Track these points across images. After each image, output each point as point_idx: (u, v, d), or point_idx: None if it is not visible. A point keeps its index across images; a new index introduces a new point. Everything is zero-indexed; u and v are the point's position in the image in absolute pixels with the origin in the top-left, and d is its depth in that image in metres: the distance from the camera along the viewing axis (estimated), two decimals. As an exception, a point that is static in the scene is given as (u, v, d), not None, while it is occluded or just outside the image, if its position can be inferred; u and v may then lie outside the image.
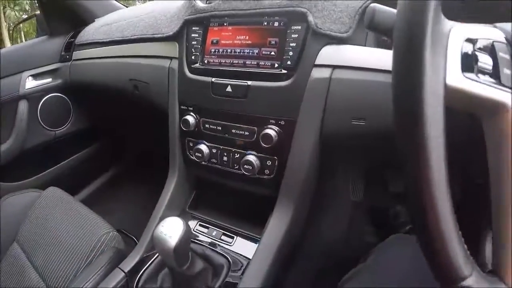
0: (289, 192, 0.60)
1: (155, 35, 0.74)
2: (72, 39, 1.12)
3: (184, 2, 0.69)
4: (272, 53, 0.57)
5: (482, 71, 0.27)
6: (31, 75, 1.07)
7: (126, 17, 0.95)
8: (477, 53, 0.27)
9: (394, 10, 0.31)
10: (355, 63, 0.52)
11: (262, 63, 0.57)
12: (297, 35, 0.54)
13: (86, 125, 1.19)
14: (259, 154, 0.59)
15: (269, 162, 0.59)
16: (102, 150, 1.26)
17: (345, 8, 0.53)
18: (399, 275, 0.42)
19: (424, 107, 0.23)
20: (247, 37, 0.59)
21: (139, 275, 0.60)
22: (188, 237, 0.50)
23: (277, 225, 0.58)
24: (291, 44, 0.55)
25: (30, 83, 1.07)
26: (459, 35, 0.27)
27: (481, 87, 0.26)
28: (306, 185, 0.60)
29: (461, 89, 0.26)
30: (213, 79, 0.61)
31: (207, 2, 0.65)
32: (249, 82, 0.57)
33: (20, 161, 1.07)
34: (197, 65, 0.64)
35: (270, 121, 0.57)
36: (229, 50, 0.61)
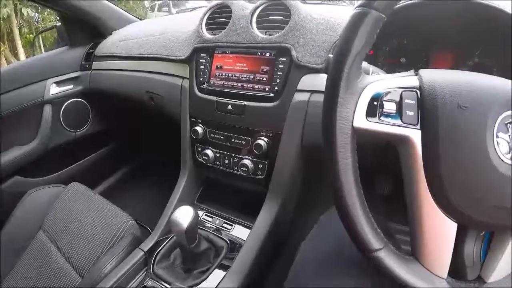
0: (276, 189, 0.78)
1: (170, 57, 0.93)
2: (91, 50, 1.29)
3: (193, 31, 0.88)
4: (264, 78, 0.75)
5: (387, 115, 0.38)
6: (54, 82, 1.24)
7: (141, 33, 1.14)
8: (384, 102, 0.38)
9: None
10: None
11: (256, 86, 0.76)
12: (283, 66, 0.72)
13: (103, 127, 1.35)
14: (253, 159, 0.78)
15: (260, 165, 0.77)
16: (118, 150, 1.42)
17: (322, 43, 0.70)
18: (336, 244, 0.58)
19: (335, 140, 0.37)
20: (245, 64, 0.77)
21: (155, 253, 0.77)
22: (196, 221, 0.68)
23: (266, 214, 0.77)
24: (278, 73, 0.72)
25: (54, 90, 1.24)
26: (370, 90, 0.38)
27: (383, 126, 0.38)
28: (291, 183, 0.78)
29: (365, 129, 0.38)
30: (217, 99, 0.80)
31: (213, 33, 0.84)
32: (246, 103, 0.76)
33: (44, 159, 1.23)
34: (204, 85, 0.83)
35: (261, 133, 0.75)
36: (230, 74, 0.79)
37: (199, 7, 1.35)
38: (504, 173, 0.35)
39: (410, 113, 0.37)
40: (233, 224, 0.84)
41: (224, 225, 0.84)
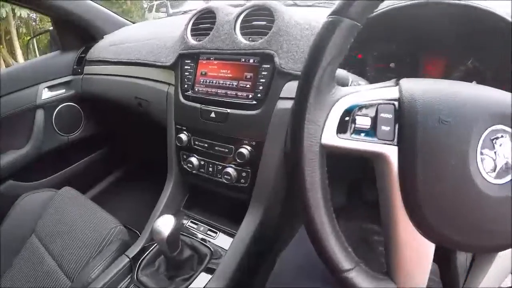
0: (260, 197, 0.78)
1: (156, 63, 0.93)
2: (83, 54, 1.31)
3: (179, 37, 0.89)
4: (248, 85, 0.75)
5: (359, 130, 0.36)
6: (46, 87, 1.26)
7: (131, 38, 1.15)
8: (357, 116, 0.36)
9: None
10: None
11: (239, 93, 0.75)
12: (266, 73, 0.72)
13: (95, 131, 1.37)
14: (236, 167, 0.78)
15: (244, 174, 0.77)
16: (109, 154, 1.43)
17: (306, 49, 0.69)
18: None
19: (302, 158, 0.36)
20: (229, 71, 0.77)
21: (140, 260, 0.78)
22: (178, 230, 0.69)
23: (250, 222, 0.77)
24: (261, 80, 0.72)
25: (46, 94, 1.26)
26: (343, 104, 0.36)
27: (355, 143, 0.36)
28: (274, 191, 0.78)
29: (335, 146, 0.36)
30: (202, 106, 0.80)
31: (198, 39, 0.84)
32: (229, 110, 0.76)
33: (38, 163, 1.25)
34: (189, 92, 0.83)
35: (244, 141, 0.75)
36: (214, 81, 0.79)
37: (195, 9, 1.35)
38: (487, 192, 0.33)
39: (386, 128, 0.35)
40: (218, 232, 0.84)
41: (209, 232, 0.84)
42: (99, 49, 1.24)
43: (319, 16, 0.75)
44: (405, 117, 0.34)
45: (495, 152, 0.33)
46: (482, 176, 0.33)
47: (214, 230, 0.84)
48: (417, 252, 0.36)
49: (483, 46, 0.61)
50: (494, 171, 0.33)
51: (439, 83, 0.38)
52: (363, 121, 0.36)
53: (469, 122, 0.33)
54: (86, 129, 1.36)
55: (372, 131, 0.36)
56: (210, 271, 0.74)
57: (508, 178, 0.33)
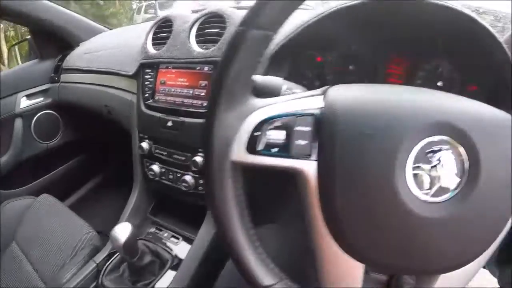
0: None
1: (121, 72, 0.95)
2: (60, 63, 1.32)
3: (141, 47, 0.90)
4: (202, 94, 0.76)
5: (273, 145, 0.33)
6: (25, 95, 1.27)
7: (105, 45, 1.17)
8: (269, 131, 0.33)
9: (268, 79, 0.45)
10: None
11: (194, 102, 0.77)
12: None
13: (74, 138, 1.39)
14: (194, 175, 0.79)
15: (201, 181, 0.78)
16: (89, 161, 1.45)
17: None
18: None
19: (212, 175, 0.34)
20: (185, 80, 0.78)
21: (106, 265, 0.80)
22: (134, 236, 0.71)
23: (207, 230, 0.79)
24: None
25: (24, 103, 1.27)
26: (256, 117, 0.34)
27: (267, 159, 0.33)
28: None
29: (246, 162, 0.33)
30: (161, 115, 0.81)
31: (157, 48, 0.86)
32: (185, 119, 0.77)
33: (18, 171, 1.27)
34: (150, 101, 0.84)
35: (199, 150, 0.76)
36: (172, 90, 0.81)
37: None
38: (420, 212, 0.29)
39: (302, 143, 0.32)
40: (180, 237, 0.85)
41: (172, 238, 0.86)
42: (74, 57, 1.25)
43: None
44: (324, 130, 0.32)
45: (432, 167, 0.29)
46: (413, 194, 0.29)
47: (177, 236, 0.86)
48: (343, 272, 0.34)
49: (451, 46, 0.58)
50: (431, 188, 0.29)
51: (371, 89, 0.35)
52: (276, 135, 0.33)
53: (397, 133, 0.29)
54: (65, 136, 1.37)
55: (287, 146, 0.32)
56: (171, 276, 0.76)
57: (447, 196, 0.29)
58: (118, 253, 0.84)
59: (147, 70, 0.86)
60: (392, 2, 0.55)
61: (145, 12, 5.77)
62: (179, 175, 0.82)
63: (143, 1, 6.48)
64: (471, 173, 0.29)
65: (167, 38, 0.84)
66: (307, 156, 0.32)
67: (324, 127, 0.32)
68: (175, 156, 0.81)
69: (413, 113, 0.30)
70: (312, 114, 0.32)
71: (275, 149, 0.33)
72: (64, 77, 1.29)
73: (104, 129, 1.25)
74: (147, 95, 0.85)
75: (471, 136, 0.29)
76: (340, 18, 0.57)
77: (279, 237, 0.79)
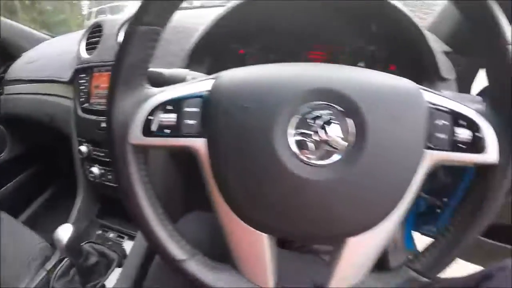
0: None
1: (58, 79, 0.96)
2: (2, 74, 1.31)
3: (76, 53, 0.92)
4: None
5: (166, 127, 0.35)
6: None
7: (46, 54, 1.16)
8: (162, 115, 0.35)
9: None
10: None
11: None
12: None
13: (23, 150, 1.36)
14: None
15: None
16: (39, 172, 1.43)
17: (179, 52, 0.66)
18: None
19: (115, 157, 0.36)
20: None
21: (56, 271, 0.81)
22: (76, 237, 0.73)
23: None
24: None
25: None
26: (149, 103, 0.36)
27: (161, 140, 0.36)
28: (166, 191, 0.81)
29: (143, 144, 0.36)
30: (95, 118, 0.84)
31: (90, 53, 0.87)
32: None
33: None
34: (86, 105, 0.86)
35: None
36: (105, 93, 0.83)
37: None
38: (305, 175, 0.31)
39: (191, 122, 0.35)
40: (125, 237, 0.88)
41: (118, 238, 0.88)
42: (17, 68, 1.23)
43: (194, 17, 0.76)
44: (210, 109, 0.34)
45: (316, 132, 0.31)
46: (297, 158, 0.31)
47: (122, 235, 0.88)
48: (248, 241, 0.35)
49: (368, 28, 0.61)
50: (316, 152, 0.31)
51: (260, 68, 0.37)
52: (167, 118, 0.36)
53: (274, 102, 0.32)
54: (14, 149, 1.34)
55: (177, 126, 0.35)
56: (118, 275, 0.78)
57: (335, 158, 0.31)
58: (67, 259, 0.85)
59: (82, 75, 0.87)
60: None
61: (96, 18, 5.54)
62: (117, 175, 0.84)
63: (93, 7, 6.25)
64: (358, 137, 0.31)
65: (98, 43, 0.86)
66: (197, 134, 0.35)
67: (210, 106, 0.34)
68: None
69: (291, 82, 0.33)
70: (200, 96, 0.35)
71: (168, 131, 0.35)
72: (7, 88, 1.26)
73: (49, 139, 1.23)
74: (82, 99, 0.87)
75: (356, 102, 0.31)
76: (251, 10, 0.61)
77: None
